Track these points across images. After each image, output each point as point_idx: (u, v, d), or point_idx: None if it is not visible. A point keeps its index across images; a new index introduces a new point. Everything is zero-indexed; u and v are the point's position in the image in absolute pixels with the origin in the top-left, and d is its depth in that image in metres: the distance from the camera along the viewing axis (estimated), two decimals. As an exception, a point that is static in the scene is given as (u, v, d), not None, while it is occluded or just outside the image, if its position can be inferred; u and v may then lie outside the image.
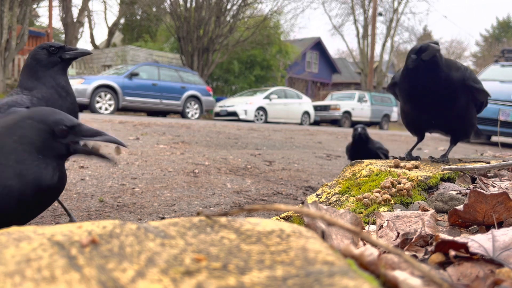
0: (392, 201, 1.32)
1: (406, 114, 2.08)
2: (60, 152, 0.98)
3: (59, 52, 1.53)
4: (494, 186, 1.42)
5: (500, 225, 0.96)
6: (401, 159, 2.06)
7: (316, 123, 18.02)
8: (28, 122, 0.94)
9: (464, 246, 0.72)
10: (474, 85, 1.90)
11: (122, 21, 27.15)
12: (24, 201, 0.91)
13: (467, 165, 1.63)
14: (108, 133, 1.00)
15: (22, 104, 1.41)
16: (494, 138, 9.88)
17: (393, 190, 1.37)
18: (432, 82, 1.85)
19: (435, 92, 1.87)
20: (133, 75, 12.77)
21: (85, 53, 1.57)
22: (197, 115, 14.27)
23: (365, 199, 1.34)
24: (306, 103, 17.13)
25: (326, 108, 18.30)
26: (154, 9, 22.66)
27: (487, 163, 1.75)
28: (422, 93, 1.90)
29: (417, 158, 2.06)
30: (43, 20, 30.90)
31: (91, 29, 28.71)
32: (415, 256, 0.80)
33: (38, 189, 0.93)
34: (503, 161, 1.86)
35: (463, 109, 1.95)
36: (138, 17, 25.96)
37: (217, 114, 15.43)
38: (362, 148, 2.86)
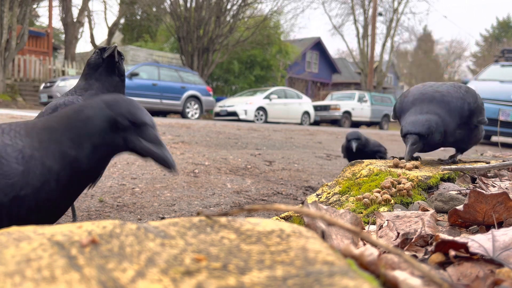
0: (392, 201, 1.32)
1: None
2: (116, 143, 0.94)
3: (102, 54, 1.60)
4: (494, 186, 1.42)
5: (500, 225, 0.96)
6: (401, 159, 2.06)
7: (316, 123, 18.02)
8: (99, 105, 0.93)
9: (464, 246, 0.72)
10: (475, 122, 1.90)
11: (122, 21, 27.14)
12: (62, 184, 0.89)
13: (467, 165, 1.63)
14: (166, 148, 0.96)
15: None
16: (494, 138, 9.88)
17: (393, 190, 1.37)
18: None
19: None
20: (133, 75, 12.77)
21: (112, 48, 1.59)
22: (197, 115, 14.27)
23: (365, 199, 1.34)
24: (306, 103, 17.13)
25: (326, 108, 18.31)
26: (154, 9, 22.65)
27: (487, 163, 1.75)
28: None
29: (417, 159, 2.06)
30: (43, 20, 30.92)
31: (91, 29, 28.66)
32: (415, 256, 0.80)
33: (75, 173, 0.91)
34: (503, 161, 1.86)
35: (462, 135, 1.93)
36: (138, 17, 25.96)
37: (217, 114, 15.43)
38: (358, 154, 2.85)
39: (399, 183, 1.40)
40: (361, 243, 0.88)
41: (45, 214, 0.89)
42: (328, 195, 1.56)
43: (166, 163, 0.95)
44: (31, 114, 7.94)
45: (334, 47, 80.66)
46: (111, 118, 0.92)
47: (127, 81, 12.38)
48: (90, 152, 0.92)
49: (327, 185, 1.68)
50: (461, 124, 1.88)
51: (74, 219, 1.75)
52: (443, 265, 0.73)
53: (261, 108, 15.30)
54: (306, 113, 16.91)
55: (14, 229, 0.53)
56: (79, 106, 0.94)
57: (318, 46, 32.99)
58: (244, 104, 15.14)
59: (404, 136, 1.86)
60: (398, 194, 1.37)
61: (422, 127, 1.82)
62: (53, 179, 0.88)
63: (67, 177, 0.89)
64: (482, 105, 1.98)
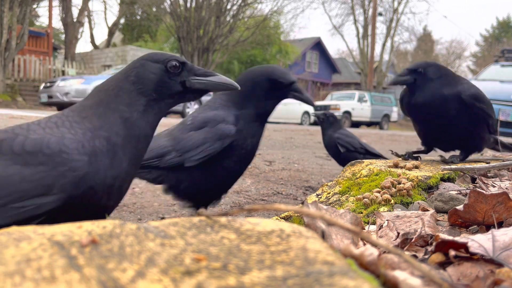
0: (392, 201, 1.32)
1: (414, 125, 2.06)
2: (176, 89, 0.96)
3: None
4: (494, 186, 1.42)
5: (500, 225, 0.96)
6: (399, 156, 2.05)
7: (316, 123, 18.01)
8: (142, 63, 0.94)
9: (464, 246, 0.72)
10: (473, 102, 1.84)
11: (122, 21, 27.16)
12: (128, 155, 0.89)
13: (467, 165, 1.63)
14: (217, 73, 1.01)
15: (229, 122, 1.41)
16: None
17: (393, 190, 1.37)
18: (426, 98, 1.81)
19: (430, 109, 1.83)
20: (133, 75, 12.75)
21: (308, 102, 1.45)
22: (197, 115, 14.25)
23: (365, 199, 1.34)
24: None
25: (326, 108, 18.31)
26: (154, 9, 22.66)
27: (487, 163, 1.75)
28: (419, 110, 1.87)
29: (417, 158, 2.06)
30: (43, 20, 30.88)
31: (91, 29, 28.71)
32: (415, 256, 0.80)
33: (136, 139, 0.91)
34: (503, 161, 1.86)
35: (465, 127, 1.88)
36: (138, 17, 25.97)
37: (217, 114, 15.39)
38: (323, 132, 2.78)
39: (399, 183, 1.40)
40: (361, 243, 0.88)
41: (117, 191, 0.90)
42: (328, 195, 1.56)
43: (228, 86, 0.99)
44: (31, 114, 7.94)
45: (334, 47, 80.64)
46: (162, 67, 0.94)
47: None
48: (144, 110, 0.92)
49: (327, 185, 1.68)
50: (462, 107, 1.82)
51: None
52: (443, 265, 0.73)
53: (261, 108, 15.28)
54: (306, 113, 16.91)
55: (14, 229, 0.53)
56: (125, 73, 0.94)
57: (318, 46, 32.99)
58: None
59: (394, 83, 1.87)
60: (398, 194, 1.37)
61: (414, 64, 1.84)
62: (120, 151, 0.87)
63: (130, 146, 0.89)
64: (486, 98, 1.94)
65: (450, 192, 1.33)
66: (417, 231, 0.93)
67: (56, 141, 0.82)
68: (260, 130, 1.51)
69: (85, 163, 0.81)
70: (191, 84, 0.97)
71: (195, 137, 1.46)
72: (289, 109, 16.28)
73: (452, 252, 0.72)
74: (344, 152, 2.60)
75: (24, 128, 0.86)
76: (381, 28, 31.77)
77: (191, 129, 1.49)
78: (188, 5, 20.05)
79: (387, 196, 1.32)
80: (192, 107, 14.16)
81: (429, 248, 0.80)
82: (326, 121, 2.80)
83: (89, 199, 0.83)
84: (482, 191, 0.98)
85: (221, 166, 1.47)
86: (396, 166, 1.66)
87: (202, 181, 1.49)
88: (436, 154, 2.24)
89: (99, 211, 0.86)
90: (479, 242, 0.72)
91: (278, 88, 1.43)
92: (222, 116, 1.45)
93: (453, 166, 1.63)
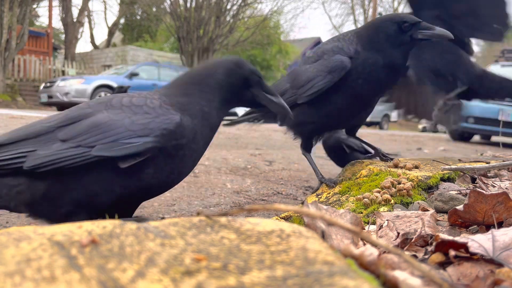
0: (392, 201, 1.32)
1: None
2: (246, 100, 1.13)
3: (411, 30, 1.34)
4: (494, 186, 1.42)
5: (500, 225, 0.96)
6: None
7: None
8: (230, 66, 1.10)
9: (464, 246, 0.72)
10: None
11: (122, 21, 27.15)
12: (202, 138, 1.07)
13: (467, 165, 1.63)
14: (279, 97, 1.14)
15: (347, 53, 1.36)
16: (494, 138, 9.87)
17: (393, 190, 1.37)
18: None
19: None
20: (133, 75, 12.77)
21: (442, 36, 1.34)
22: (197, 115, 14.27)
23: (365, 199, 1.34)
24: (306, 103, 17.12)
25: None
26: (154, 9, 22.66)
27: (487, 163, 1.75)
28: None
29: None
30: (43, 20, 30.89)
31: (91, 29, 28.73)
32: (415, 256, 0.80)
33: (209, 127, 1.08)
34: (503, 161, 1.86)
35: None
36: (138, 17, 25.96)
37: (217, 114, 15.41)
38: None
39: (399, 183, 1.40)
40: (361, 243, 0.88)
41: (191, 164, 1.08)
42: (328, 195, 1.56)
43: (285, 110, 1.14)
44: (31, 114, 7.94)
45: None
46: (243, 76, 1.10)
47: (127, 81, 12.42)
48: (224, 109, 1.11)
49: (327, 185, 1.68)
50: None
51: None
52: (443, 265, 0.73)
53: (261, 108, 15.28)
54: (306, 113, 16.89)
55: (14, 229, 0.53)
56: (211, 69, 1.10)
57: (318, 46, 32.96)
58: (244, 104, 15.13)
59: None
60: (398, 194, 1.37)
61: None
62: (198, 133, 1.05)
63: (206, 132, 1.07)
64: None
65: (450, 192, 1.33)
66: (417, 231, 0.93)
67: (155, 101, 1.02)
68: (383, 75, 1.37)
69: (179, 118, 0.99)
70: (256, 98, 1.13)
71: (308, 71, 1.39)
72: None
73: (452, 252, 0.72)
74: (350, 152, 2.59)
75: (126, 94, 1.07)
76: (381, 28, 31.73)
77: (310, 62, 1.40)
78: (188, 5, 20.04)
79: (387, 196, 1.32)
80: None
81: (429, 248, 0.80)
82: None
83: (177, 149, 1.01)
84: (482, 191, 0.98)
85: (332, 102, 1.38)
86: (396, 166, 1.66)
87: (313, 118, 1.44)
88: (435, 154, 2.24)
89: (176, 169, 1.04)
90: (479, 242, 0.72)
91: (403, 31, 1.31)
92: (340, 47, 1.38)
93: (453, 166, 1.63)
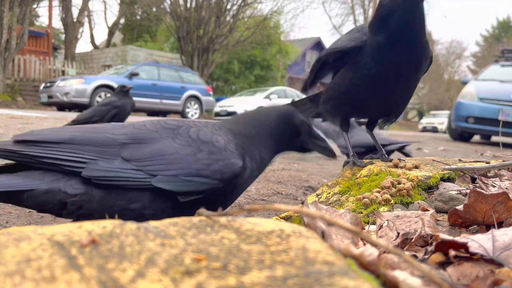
0: (392, 201, 1.32)
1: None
2: (295, 146, 1.18)
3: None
4: (494, 186, 1.42)
5: (500, 225, 0.96)
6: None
7: (316, 123, 17.99)
8: (284, 117, 1.15)
9: (464, 246, 0.72)
10: None
11: (122, 21, 27.16)
12: (252, 179, 1.11)
13: (467, 165, 1.63)
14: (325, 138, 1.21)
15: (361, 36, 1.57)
16: (494, 138, 9.87)
17: (393, 190, 1.37)
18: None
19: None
20: (133, 75, 12.77)
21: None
22: (197, 115, 14.27)
23: (365, 199, 1.34)
24: (306, 103, 17.11)
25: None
26: (154, 9, 22.66)
27: (487, 163, 1.75)
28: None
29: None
30: (43, 20, 30.93)
31: (91, 29, 28.68)
32: (415, 256, 0.80)
33: (260, 171, 1.14)
34: (503, 161, 1.86)
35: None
36: (138, 17, 25.96)
37: (217, 114, 15.43)
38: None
39: (399, 183, 1.40)
40: (361, 243, 0.88)
41: (236, 198, 1.12)
42: (328, 195, 1.56)
43: (331, 153, 1.21)
44: (31, 114, 7.94)
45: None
46: (295, 125, 1.16)
47: (127, 81, 12.42)
48: (274, 154, 1.16)
49: (327, 185, 1.68)
50: None
51: None
52: (443, 265, 0.73)
53: (261, 108, 15.27)
54: (306, 113, 16.88)
55: (14, 229, 0.53)
56: (266, 116, 1.16)
57: (318, 46, 32.98)
58: (244, 104, 15.14)
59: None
60: (398, 194, 1.37)
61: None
62: (253, 176, 1.09)
63: (256, 174, 1.12)
64: None
65: (450, 192, 1.33)
66: (417, 231, 0.93)
67: (221, 139, 1.03)
68: (394, 58, 1.52)
69: (241, 164, 1.02)
70: (306, 145, 1.19)
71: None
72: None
73: (452, 252, 0.72)
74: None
75: (195, 123, 1.08)
76: (381, 28, 31.74)
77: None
78: (188, 5, 20.05)
79: (387, 196, 1.32)
80: (192, 107, 14.16)
81: (429, 248, 0.80)
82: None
83: (232, 190, 1.05)
84: (482, 191, 0.98)
85: (347, 79, 1.63)
86: (396, 166, 1.66)
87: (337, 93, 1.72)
88: (435, 154, 2.23)
89: (227, 202, 1.09)
90: (479, 242, 0.72)
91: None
92: (359, 29, 1.63)
93: (453, 166, 1.63)
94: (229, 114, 14.97)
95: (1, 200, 0.96)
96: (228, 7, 20.72)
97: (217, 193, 1.01)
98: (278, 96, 16.16)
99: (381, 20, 1.49)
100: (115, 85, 12.01)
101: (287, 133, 1.16)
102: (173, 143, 0.98)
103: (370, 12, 26.48)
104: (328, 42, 58.49)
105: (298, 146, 1.19)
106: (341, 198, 1.50)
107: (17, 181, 0.93)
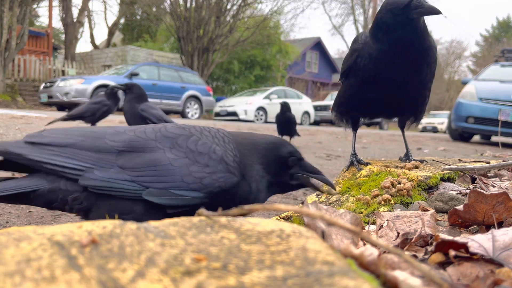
0: (392, 201, 1.32)
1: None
2: (284, 180, 1.07)
3: (405, 13, 1.48)
4: (494, 186, 1.42)
5: (500, 225, 0.96)
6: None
7: (316, 123, 18.00)
8: (271, 147, 1.07)
9: (464, 246, 0.72)
10: None
11: (122, 21, 27.15)
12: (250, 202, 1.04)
13: (467, 165, 1.63)
14: (322, 172, 1.11)
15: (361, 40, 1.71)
16: (494, 138, 9.87)
17: (393, 190, 1.37)
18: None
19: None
20: (133, 75, 12.77)
21: (433, 12, 1.45)
22: (197, 115, 14.27)
23: (366, 197, 1.34)
24: (306, 103, 17.12)
25: (326, 108, 18.29)
26: (154, 9, 22.66)
27: (487, 163, 1.75)
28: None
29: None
30: (43, 20, 30.86)
31: (91, 29, 28.68)
32: (415, 256, 0.80)
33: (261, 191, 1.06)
34: (503, 161, 1.86)
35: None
36: (138, 17, 25.95)
37: (217, 114, 15.43)
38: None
39: (399, 183, 1.40)
40: (361, 243, 0.88)
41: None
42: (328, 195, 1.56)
43: (332, 185, 1.10)
44: (31, 114, 7.94)
45: (334, 47, 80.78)
46: (286, 156, 1.06)
47: (127, 81, 12.41)
48: (268, 185, 1.06)
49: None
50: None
51: None
52: (443, 265, 0.73)
53: (261, 108, 15.28)
54: (306, 113, 16.89)
55: (14, 229, 0.53)
56: (256, 142, 1.09)
57: (318, 46, 32.99)
58: (244, 104, 15.14)
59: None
60: (398, 194, 1.37)
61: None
62: (251, 198, 1.03)
63: (252, 198, 1.05)
64: None
65: (450, 192, 1.33)
66: (417, 231, 0.93)
67: (219, 150, 1.00)
68: (394, 58, 1.60)
69: (236, 179, 0.98)
70: (298, 178, 1.09)
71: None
72: (289, 109, 16.27)
73: (452, 252, 0.72)
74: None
75: (198, 131, 1.05)
76: (381, 28, 31.75)
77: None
78: (188, 5, 20.05)
79: (387, 196, 1.32)
80: (192, 107, 14.17)
81: (429, 248, 0.80)
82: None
83: (222, 204, 0.97)
84: (482, 191, 0.98)
85: (351, 83, 1.73)
86: (396, 166, 1.66)
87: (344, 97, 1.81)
88: (435, 154, 2.23)
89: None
90: (479, 242, 0.72)
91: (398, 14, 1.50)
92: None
93: (453, 166, 1.63)
94: (229, 114, 14.98)
95: (12, 201, 0.99)
96: (228, 7, 20.73)
97: (211, 205, 0.97)
98: (278, 96, 16.16)
99: (377, 29, 1.60)
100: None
101: (274, 164, 1.07)
102: (169, 153, 0.97)
103: (370, 12, 26.50)
104: (328, 42, 58.33)
105: (288, 182, 1.10)
106: (341, 198, 1.50)
107: (22, 184, 0.97)
